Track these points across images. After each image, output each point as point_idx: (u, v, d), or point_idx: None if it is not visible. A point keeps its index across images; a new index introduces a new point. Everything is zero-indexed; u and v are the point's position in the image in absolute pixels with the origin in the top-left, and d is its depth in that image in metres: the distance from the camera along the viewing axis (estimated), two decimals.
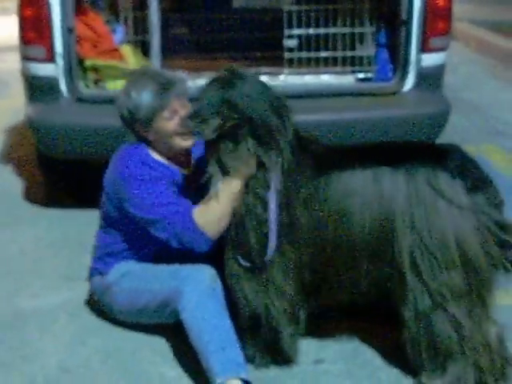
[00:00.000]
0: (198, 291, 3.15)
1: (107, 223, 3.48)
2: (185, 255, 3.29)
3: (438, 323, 3.00)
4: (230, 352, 3.03)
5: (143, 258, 3.45)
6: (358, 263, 3.09)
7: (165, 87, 3.30)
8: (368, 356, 3.34)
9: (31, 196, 5.19)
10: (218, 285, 3.21)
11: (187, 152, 3.45)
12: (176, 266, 3.32)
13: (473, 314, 3.00)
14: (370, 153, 3.20)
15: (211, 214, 3.11)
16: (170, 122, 3.30)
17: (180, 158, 3.43)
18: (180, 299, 3.16)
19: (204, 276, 3.21)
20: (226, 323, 3.11)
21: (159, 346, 3.44)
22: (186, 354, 3.29)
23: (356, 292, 3.18)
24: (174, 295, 3.20)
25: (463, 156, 3.13)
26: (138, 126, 3.34)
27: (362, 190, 3.05)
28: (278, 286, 3.14)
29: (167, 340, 3.47)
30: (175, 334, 3.41)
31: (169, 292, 3.23)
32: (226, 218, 3.11)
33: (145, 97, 3.30)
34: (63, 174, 5.05)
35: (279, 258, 3.11)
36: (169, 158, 3.40)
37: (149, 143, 3.38)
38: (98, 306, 3.65)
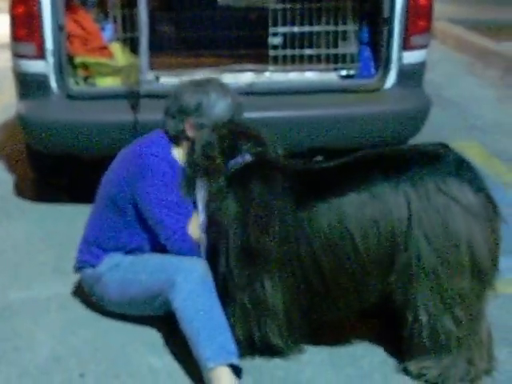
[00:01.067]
0: (189, 281, 3.15)
1: (109, 209, 3.43)
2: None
3: (444, 323, 3.00)
4: (222, 339, 3.03)
5: (135, 250, 3.45)
6: (364, 280, 3.07)
7: (238, 105, 3.39)
8: (350, 346, 3.35)
9: (22, 191, 5.17)
10: (210, 276, 3.21)
11: None
12: (168, 257, 3.32)
13: (472, 312, 3.01)
14: (363, 167, 3.11)
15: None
16: None
17: None
18: (172, 289, 3.16)
19: (196, 267, 3.21)
20: (218, 311, 3.11)
21: (148, 336, 3.44)
22: (175, 345, 3.31)
23: (360, 303, 3.18)
24: (166, 285, 3.19)
25: (457, 155, 3.08)
26: (189, 120, 3.35)
27: (361, 211, 2.98)
28: (270, 307, 3.13)
29: (156, 331, 3.47)
30: (164, 325, 3.43)
31: (160, 282, 3.23)
32: None
33: (221, 105, 3.34)
34: (53, 169, 5.03)
35: (269, 279, 3.10)
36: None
37: (181, 139, 3.39)
38: (87, 298, 3.65)
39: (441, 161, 3.03)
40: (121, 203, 3.38)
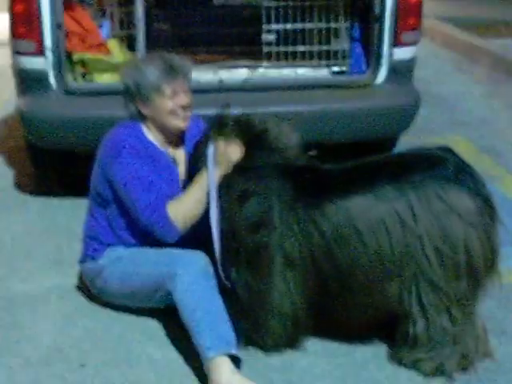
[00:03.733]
0: (191, 272, 3.13)
1: (97, 203, 3.44)
2: (177, 244, 3.29)
3: (441, 322, 3.00)
4: (222, 329, 3.02)
5: (130, 243, 3.43)
6: (377, 282, 3.05)
7: (172, 67, 3.34)
8: (344, 337, 3.32)
9: (21, 185, 5.15)
10: (210, 268, 3.20)
11: (181, 133, 3.48)
12: (168, 250, 3.31)
13: (467, 311, 3.02)
14: (367, 171, 3.12)
15: (183, 207, 3.21)
16: (169, 101, 3.33)
17: (173, 138, 3.46)
18: (173, 280, 3.14)
19: (197, 259, 3.20)
20: (218, 303, 3.10)
21: (148, 327, 3.43)
22: (174, 336, 3.31)
23: (372, 307, 3.15)
24: (167, 277, 3.17)
25: (459, 160, 3.08)
26: (138, 99, 3.36)
27: (368, 212, 2.98)
28: (275, 306, 3.13)
29: (156, 322, 3.46)
30: (164, 316, 3.42)
31: (161, 275, 3.21)
32: (194, 211, 3.20)
33: (152, 70, 3.33)
34: (52, 163, 5.01)
35: (278, 279, 3.09)
36: (162, 137, 3.43)
37: (144, 120, 3.40)
38: (87, 289, 3.64)
39: (442, 166, 3.03)
40: (104, 193, 3.38)
